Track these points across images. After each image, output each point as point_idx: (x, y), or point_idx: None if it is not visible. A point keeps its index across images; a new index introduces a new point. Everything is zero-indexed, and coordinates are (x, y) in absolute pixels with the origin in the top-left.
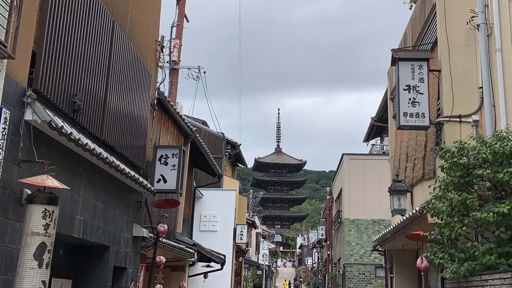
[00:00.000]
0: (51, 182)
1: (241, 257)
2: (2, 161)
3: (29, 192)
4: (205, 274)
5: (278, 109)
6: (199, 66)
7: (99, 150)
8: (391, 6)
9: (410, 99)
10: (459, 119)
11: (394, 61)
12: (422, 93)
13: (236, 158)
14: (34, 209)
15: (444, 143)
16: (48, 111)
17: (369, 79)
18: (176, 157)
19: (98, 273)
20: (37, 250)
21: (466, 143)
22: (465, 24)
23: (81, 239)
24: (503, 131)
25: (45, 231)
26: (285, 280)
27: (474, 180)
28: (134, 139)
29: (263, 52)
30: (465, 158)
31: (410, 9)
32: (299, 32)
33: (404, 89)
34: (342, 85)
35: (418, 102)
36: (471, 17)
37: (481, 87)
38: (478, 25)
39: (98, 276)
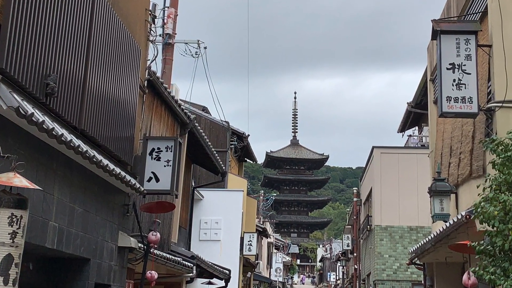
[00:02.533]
0: (19, 181)
1: (249, 272)
2: None
3: None
4: None
5: (295, 93)
6: (198, 41)
7: (77, 142)
8: None
9: (454, 80)
10: None
11: (436, 35)
12: (469, 73)
13: (244, 152)
14: None
15: (496, 133)
16: (15, 95)
17: (405, 56)
18: (171, 151)
19: None
20: (2, 264)
21: None
22: None
23: (56, 250)
24: None
25: (11, 241)
26: None
27: None
28: (120, 129)
29: (277, 24)
30: None
31: None
32: None
33: (448, 69)
34: (372, 63)
35: (465, 84)
36: None
37: None
38: None
39: None
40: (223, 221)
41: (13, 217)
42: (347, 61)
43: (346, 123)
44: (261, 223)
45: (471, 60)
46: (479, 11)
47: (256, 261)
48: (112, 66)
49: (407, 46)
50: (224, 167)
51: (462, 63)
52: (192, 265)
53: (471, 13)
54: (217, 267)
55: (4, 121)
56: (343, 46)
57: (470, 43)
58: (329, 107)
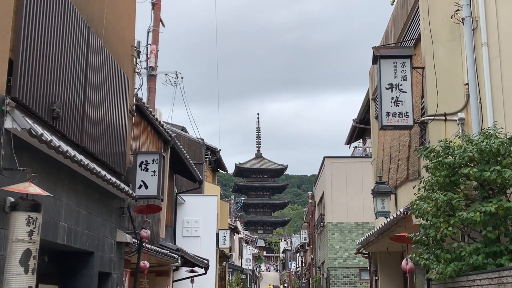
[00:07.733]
0: (33, 189)
1: (224, 262)
2: None
3: (12, 199)
4: (192, 279)
5: (258, 114)
6: (176, 72)
7: (79, 157)
8: (375, 6)
9: (392, 98)
10: (444, 118)
11: (376, 59)
12: (405, 92)
13: (217, 163)
14: (18, 216)
15: (429, 142)
16: (27, 119)
17: (354, 81)
18: (156, 163)
19: (83, 278)
20: (23, 257)
21: (451, 141)
22: (450, 18)
23: (66, 245)
24: (490, 128)
25: (29, 238)
26: (270, 284)
27: (460, 179)
28: (114, 145)
29: (245, 57)
30: (450, 157)
31: (392, 4)
32: (282, 34)
33: (387, 88)
34: (328, 87)
35: (401, 101)
36: (456, 11)
37: (467, 84)
38: (463, 19)
39: (84, 282)
40: (201, 220)
41: (30, 218)
42: (306, 87)
43: (303, 138)
44: (233, 222)
45: (406, 80)
46: (413, 38)
47: (229, 253)
48: (106, 93)
49: (356, 72)
50: (200, 176)
51: (399, 83)
52: (177, 256)
53: (406, 40)
54: (198, 258)
55: (19, 141)
56: (303, 74)
57: (405, 66)
58: (290, 125)
